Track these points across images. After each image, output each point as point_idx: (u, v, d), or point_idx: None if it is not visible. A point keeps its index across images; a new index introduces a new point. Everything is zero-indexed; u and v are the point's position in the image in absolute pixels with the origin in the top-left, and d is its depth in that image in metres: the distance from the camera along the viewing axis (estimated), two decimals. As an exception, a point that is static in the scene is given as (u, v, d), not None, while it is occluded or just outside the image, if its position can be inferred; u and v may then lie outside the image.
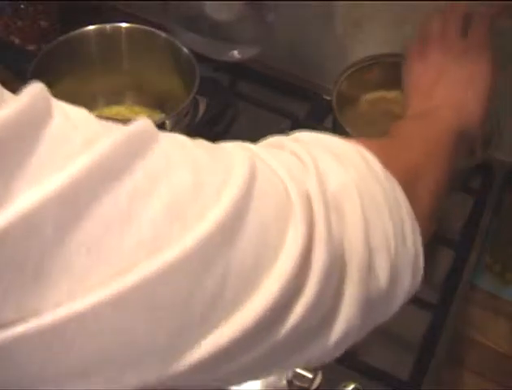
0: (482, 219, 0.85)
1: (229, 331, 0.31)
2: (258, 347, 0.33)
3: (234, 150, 0.36)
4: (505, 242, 0.82)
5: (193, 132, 0.81)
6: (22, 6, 0.96)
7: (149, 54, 0.88)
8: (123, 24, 0.89)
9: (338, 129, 0.82)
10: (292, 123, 0.93)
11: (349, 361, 0.72)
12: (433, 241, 0.85)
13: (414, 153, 0.50)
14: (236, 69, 1.02)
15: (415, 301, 0.76)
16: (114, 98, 0.92)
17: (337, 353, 0.39)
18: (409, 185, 0.43)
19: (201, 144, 0.35)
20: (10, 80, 0.92)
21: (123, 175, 0.29)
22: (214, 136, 0.84)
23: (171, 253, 0.29)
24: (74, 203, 0.27)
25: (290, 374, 0.69)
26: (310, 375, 0.69)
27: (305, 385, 0.69)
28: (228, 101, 0.95)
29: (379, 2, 0.90)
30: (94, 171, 0.28)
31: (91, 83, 0.89)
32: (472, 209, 0.87)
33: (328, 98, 0.88)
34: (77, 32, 0.86)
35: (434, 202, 0.48)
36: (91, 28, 0.87)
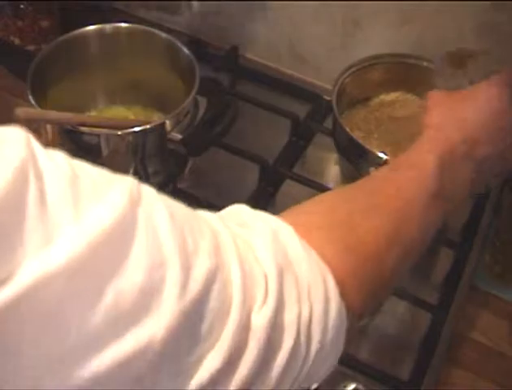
0: (482, 219, 0.85)
1: None
2: None
3: (205, 244, 0.35)
4: (505, 242, 0.82)
5: (192, 132, 0.81)
6: (22, 6, 0.96)
7: (149, 54, 0.88)
8: (123, 24, 0.89)
9: (338, 129, 0.82)
10: (292, 123, 0.93)
11: (349, 361, 0.72)
12: (433, 241, 0.86)
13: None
14: (236, 69, 1.02)
15: (415, 301, 0.77)
16: (114, 98, 0.92)
17: None
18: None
19: (176, 229, 0.34)
20: (10, 80, 0.92)
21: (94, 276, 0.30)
22: (214, 136, 0.84)
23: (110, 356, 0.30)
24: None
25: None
26: (310, 375, 0.69)
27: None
28: (228, 101, 0.95)
29: (379, 2, 0.90)
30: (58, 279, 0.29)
31: (91, 83, 0.89)
32: (472, 209, 0.87)
33: (328, 98, 0.88)
34: (77, 32, 0.86)
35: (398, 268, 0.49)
36: (91, 28, 0.87)
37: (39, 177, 0.29)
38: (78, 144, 0.76)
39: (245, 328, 0.35)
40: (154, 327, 0.31)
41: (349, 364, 0.72)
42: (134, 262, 0.31)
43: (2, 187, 0.28)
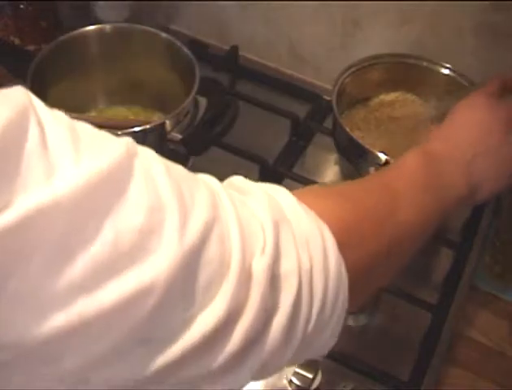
0: (482, 219, 0.85)
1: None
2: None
3: (201, 196, 0.36)
4: (505, 242, 0.82)
5: (192, 132, 0.81)
6: (22, 6, 0.96)
7: (149, 54, 0.88)
8: (123, 24, 0.89)
9: (338, 129, 0.82)
10: (292, 123, 0.93)
11: (349, 361, 0.72)
12: (433, 241, 0.86)
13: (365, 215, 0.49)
14: (236, 69, 1.02)
15: (415, 301, 0.77)
16: (114, 98, 0.92)
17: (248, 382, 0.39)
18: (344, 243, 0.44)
19: (174, 181, 0.35)
20: (10, 80, 0.92)
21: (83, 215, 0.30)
22: (214, 136, 0.84)
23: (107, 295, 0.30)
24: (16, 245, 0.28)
25: (290, 374, 0.70)
26: (310, 375, 0.69)
27: (306, 385, 0.69)
28: (228, 101, 0.95)
29: (379, 2, 0.90)
30: (50, 209, 0.29)
31: (91, 83, 0.89)
32: (472, 209, 0.87)
33: (328, 98, 0.88)
34: (77, 32, 0.86)
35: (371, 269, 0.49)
36: (91, 28, 0.87)
37: (40, 123, 0.30)
38: (78, 144, 0.76)
39: (246, 279, 0.35)
40: (156, 268, 0.31)
41: (349, 364, 0.72)
42: (133, 203, 0.31)
43: (5, 121, 0.28)
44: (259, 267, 0.36)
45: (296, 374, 0.69)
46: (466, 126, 0.64)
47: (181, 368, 0.34)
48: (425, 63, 0.87)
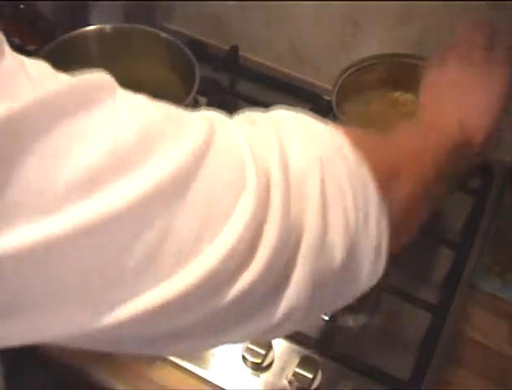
0: (482, 219, 0.85)
1: (166, 291, 0.31)
2: (196, 310, 0.33)
3: (195, 118, 0.36)
4: (505, 242, 0.82)
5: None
6: (22, 6, 0.96)
7: (149, 54, 0.88)
8: (123, 24, 0.89)
9: (338, 129, 0.82)
10: (292, 123, 0.93)
11: (349, 361, 0.72)
12: (433, 241, 0.86)
13: (399, 155, 0.49)
14: (236, 69, 1.02)
15: (415, 301, 0.77)
16: (114, 98, 0.91)
17: (281, 333, 0.39)
18: (384, 181, 0.42)
19: (162, 106, 0.36)
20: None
21: (67, 117, 0.29)
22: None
23: (108, 199, 0.29)
24: (14, 137, 0.27)
25: (290, 374, 0.70)
26: (310, 375, 0.69)
27: (306, 385, 0.69)
28: (228, 101, 0.95)
29: (379, 2, 0.90)
30: (39, 107, 0.28)
31: (91, 83, 0.89)
32: (472, 209, 0.87)
33: (328, 98, 0.88)
34: (77, 32, 0.86)
35: (412, 206, 0.47)
36: (91, 28, 0.87)
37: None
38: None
39: (265, 184, 0.35)
40: (165, 162, 0.31)
41: (349, 364, 0.72)
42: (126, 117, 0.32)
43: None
44: (273, 165, 0.36)
45: (296, 374, 0.69)
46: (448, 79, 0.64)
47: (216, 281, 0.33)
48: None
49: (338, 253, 0.38)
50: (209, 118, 0.37)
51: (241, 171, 0.34)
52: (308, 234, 0.36)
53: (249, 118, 0.41)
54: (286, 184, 0.36)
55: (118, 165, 0.30)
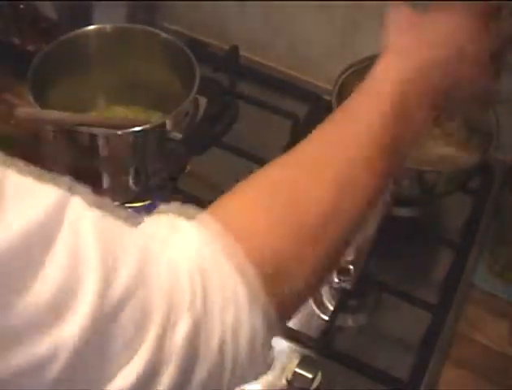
0: (482, 219, 0.85)
1: None
2: None
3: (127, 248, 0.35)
4: (505, 242, 0.82)
5: (192, 132, 0.81)
6: (22, 6, 0.96)
7: (149, 54, 0.88)
8: (123, 24, 0.89)
9: (338, 129, 0.82)
10: (293, 123, 0.93)
11: (348, 361, 0.72)
12: (433, 241, 0.86)
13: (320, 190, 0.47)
14: (236, 69, 1.02)
15: (415, 301, 0.77)
16: (114, 98, 0.91)
17: None
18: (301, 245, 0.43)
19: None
20: (10, 80, 0.92)
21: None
22: (214, 136, 0.84)
23: None
24: None
25: (290, 374, 0.70)
26: (310, 375, 0.69)
27: (306, 385, 0.69)
28: (228, 101, 0.95)
29: (379, 2, 0.90)
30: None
31: (91, 83, 0.89)
32: (472, 209, 0.87)
33: (328, 98, 0.88)
34: (77, 32, 0.86)
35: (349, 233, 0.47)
36: (91, 28, 0.87)
37: None
38: (78, 144, 0.76)
39: (163, 344, 0.35)
40: (69, 328, 0.31)
41: (349, 364, 0.72)
42: (52, 263, 0.31)
43: None
44: (179, 336, 0.35)
45: (296, 374, 0.69)
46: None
47: None
48: (425, 63, 0.87)
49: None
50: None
51: (148, 324, 0.34)
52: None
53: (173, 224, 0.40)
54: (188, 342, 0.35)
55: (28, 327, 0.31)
